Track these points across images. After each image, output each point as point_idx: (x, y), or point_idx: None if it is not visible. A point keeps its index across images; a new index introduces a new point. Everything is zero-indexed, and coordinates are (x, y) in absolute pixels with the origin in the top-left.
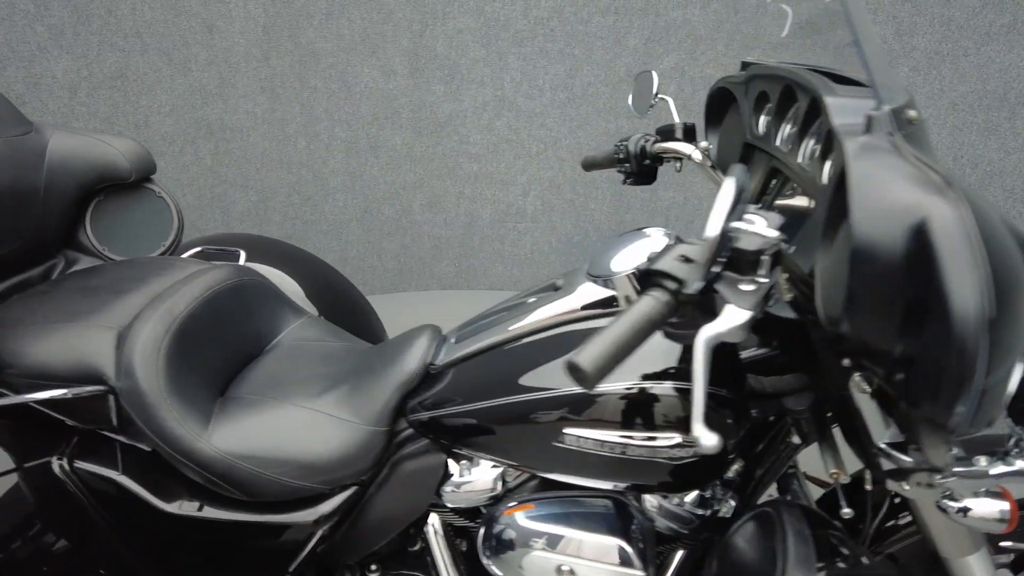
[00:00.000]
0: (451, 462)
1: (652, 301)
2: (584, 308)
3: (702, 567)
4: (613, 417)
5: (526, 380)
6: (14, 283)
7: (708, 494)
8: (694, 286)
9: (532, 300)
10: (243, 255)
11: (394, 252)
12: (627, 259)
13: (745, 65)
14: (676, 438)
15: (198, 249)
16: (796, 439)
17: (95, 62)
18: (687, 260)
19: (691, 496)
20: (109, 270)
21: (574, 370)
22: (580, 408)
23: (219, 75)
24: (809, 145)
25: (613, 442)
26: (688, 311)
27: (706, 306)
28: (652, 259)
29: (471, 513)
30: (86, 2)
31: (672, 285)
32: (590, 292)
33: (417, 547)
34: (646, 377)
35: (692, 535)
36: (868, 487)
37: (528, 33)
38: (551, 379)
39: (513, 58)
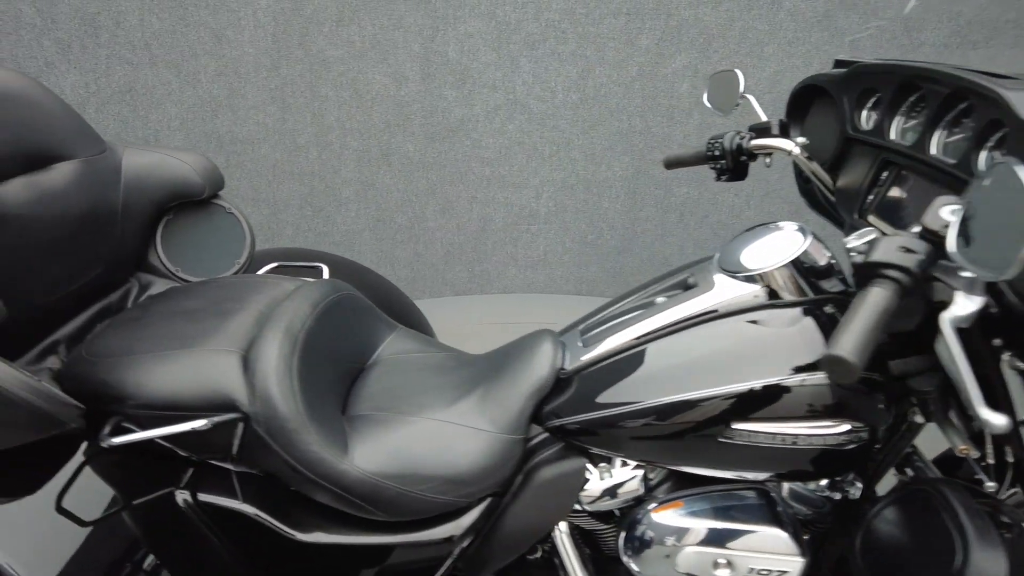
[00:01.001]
0: (588, 466)
1: (884, 291)
2: (728, 302)
3: (845, 549)
4: (787, 410)
5: (682, 378)
6: (96, 311)
7: (839, 478)
8: (924, 274)
9: (661, 299)
10: (326, 270)
11: (407, 260)
12: (768, 253)
13: (840, 63)
14: (845, 426)
15: (274, 265)
16: (919, 419)
17: (103, 76)
18: (909, 251)
19: (823, 481)
20: (199, 292)
21: (837, 363)
22: (752, 403)
23: (228, 86)
24: (940, 137)
25: (785, 434)
26: (912, 300)
27: (926, 293)
28: (869, 252)
29: (602, 516)
30: (93, 14)
31: (899, 275)
32: (730, 287)
33: (538, 555)
34: (808, 368)
35: (820, 519)
36: (1009, 459)
37: (539, 36)
38: (715, 376)
39: (525, 61)
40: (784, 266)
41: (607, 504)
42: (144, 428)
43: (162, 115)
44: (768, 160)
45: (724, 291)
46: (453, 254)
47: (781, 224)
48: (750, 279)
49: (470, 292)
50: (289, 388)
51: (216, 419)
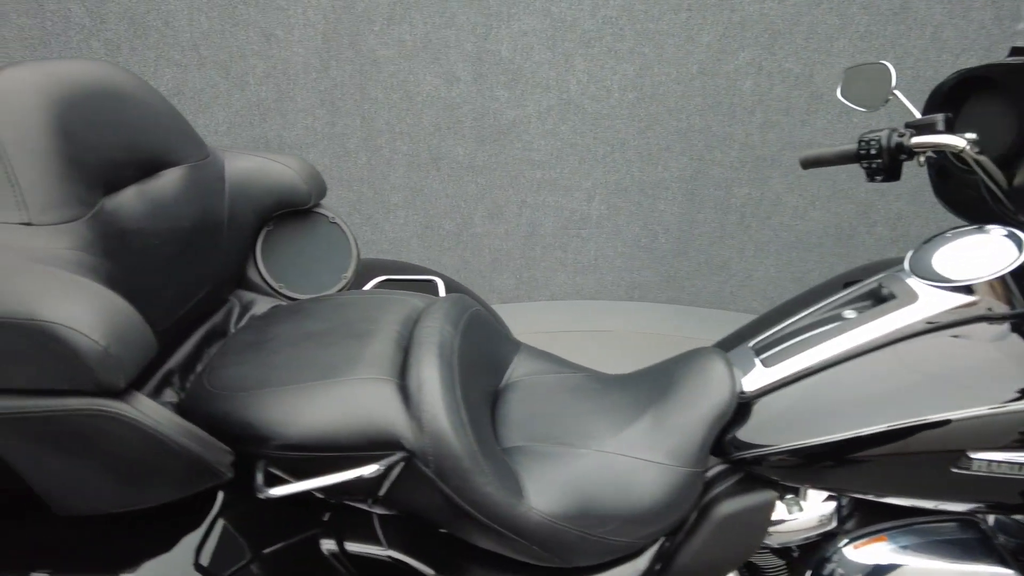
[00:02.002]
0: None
1: None
2: (939, 315)
3: None
4: None
5: (907, 401)
6: (203, 335)
7: None
8: None
9: (850, 313)
10: (441, 285)
11: (454, 267)
12: (977, 260)
13: (1017, 51)
14: None
15: (381, 279)
16: None
17: (152, 78)
18: None
19: None
20: (319, 312)
21: None
22: (996, 430)
23: (277, 88)
24: None
25: None
26: None
27: None
28: None
29: (779, 552)
30: (143, 14)
31: None
32: (938, 299)
33: None
34: None
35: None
36: None
37: (596, 33)
38: (949, 398)
39: (580, 59)
40: (1002, 275)
41: (794, 538)
42: (290, 470)
43: (210, 119)
44: (922, 159)
45: (931, 303)
46: (500, 260)
47: (986, 228)
48: (961, 289)
49: (517, 299)
50: (459, 421)
51: (387, 461)
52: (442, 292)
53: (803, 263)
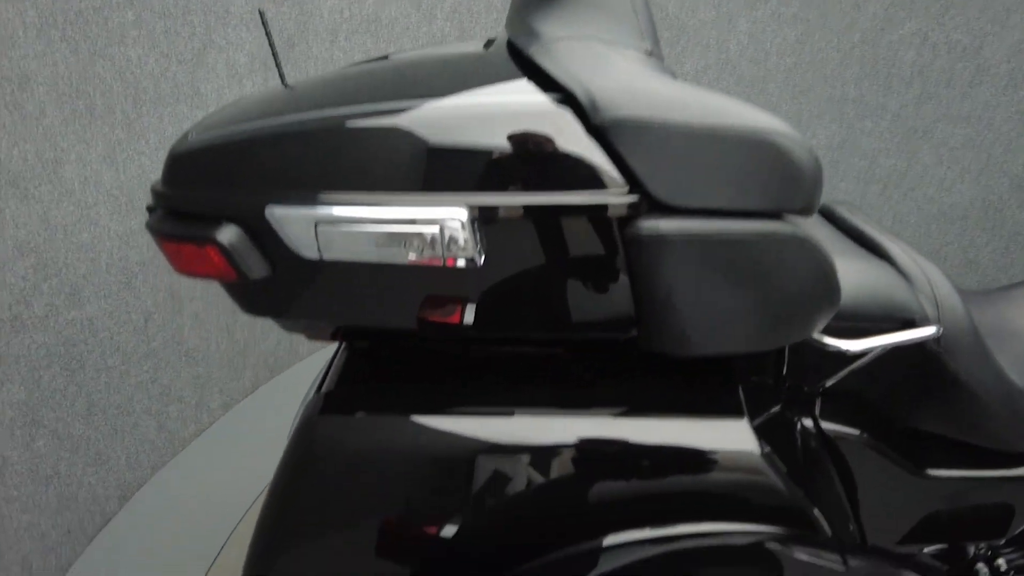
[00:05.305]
0: None
1: None
2: None
3: None
4: None
5: None
6: None
7: None
8: None
9: None
10: None
11: None
12: None
13: None
14: None
15: None
16: None
17: (356, 2)
18: None
19: None
20: None
21: None
22: None
23: (459, 26)
24: None
25: None
26: None
27: None
28: None
29: None
30: None
31: None
32: None
33: None
34: None
35: None
36: None
37: None
38: None
39: (743, 21)
40: None
41: None
42: None
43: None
44: None
45: None
46: None
47: None
48: None
49: None
50: (963, 300)
51: (912, 336)
52: None
53: (943, 235)
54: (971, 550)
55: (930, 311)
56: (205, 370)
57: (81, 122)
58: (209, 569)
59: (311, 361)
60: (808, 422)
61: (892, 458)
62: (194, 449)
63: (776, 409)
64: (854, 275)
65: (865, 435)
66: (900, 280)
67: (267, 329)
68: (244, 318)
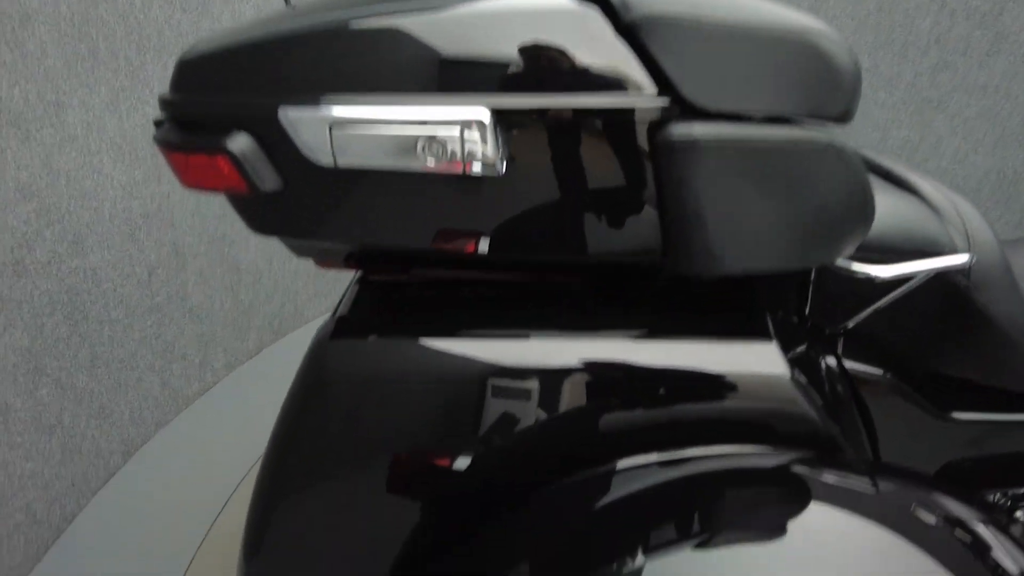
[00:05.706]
0: None
1: None
2: None
3: None
4: None
5: None
6: None
7: None
8: None
9: None
10: None
11: None
12: None
13: None
14: None
15: None
16: None
17: None
18: None
19: None
20: None
21: None
22: None
23: None
24: None
25: None
26: None
27: None
28: None
29: None
30: None
31: None
32: None
33: None
34: None
35: None
36: None
37: None
38: None
39: None
40: None
41: None
42: None
43: None
44: None
45: None
46: None
47: None
48: None
49: None
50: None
51: (943, 264)
52: None
53: None
54: (993, 498)
55: (959, 243)
56: (209, 328)
57: (84, 66)
58: (212, 525)
59: (316, 325)
60: (831, 361)
61: (916, 401)
62: (198, 408)
63: (800, 348)
64: (883, 207)
65: (888, 376)
66: (930, 212)
67: (271, 291)
68: (248, 278)
